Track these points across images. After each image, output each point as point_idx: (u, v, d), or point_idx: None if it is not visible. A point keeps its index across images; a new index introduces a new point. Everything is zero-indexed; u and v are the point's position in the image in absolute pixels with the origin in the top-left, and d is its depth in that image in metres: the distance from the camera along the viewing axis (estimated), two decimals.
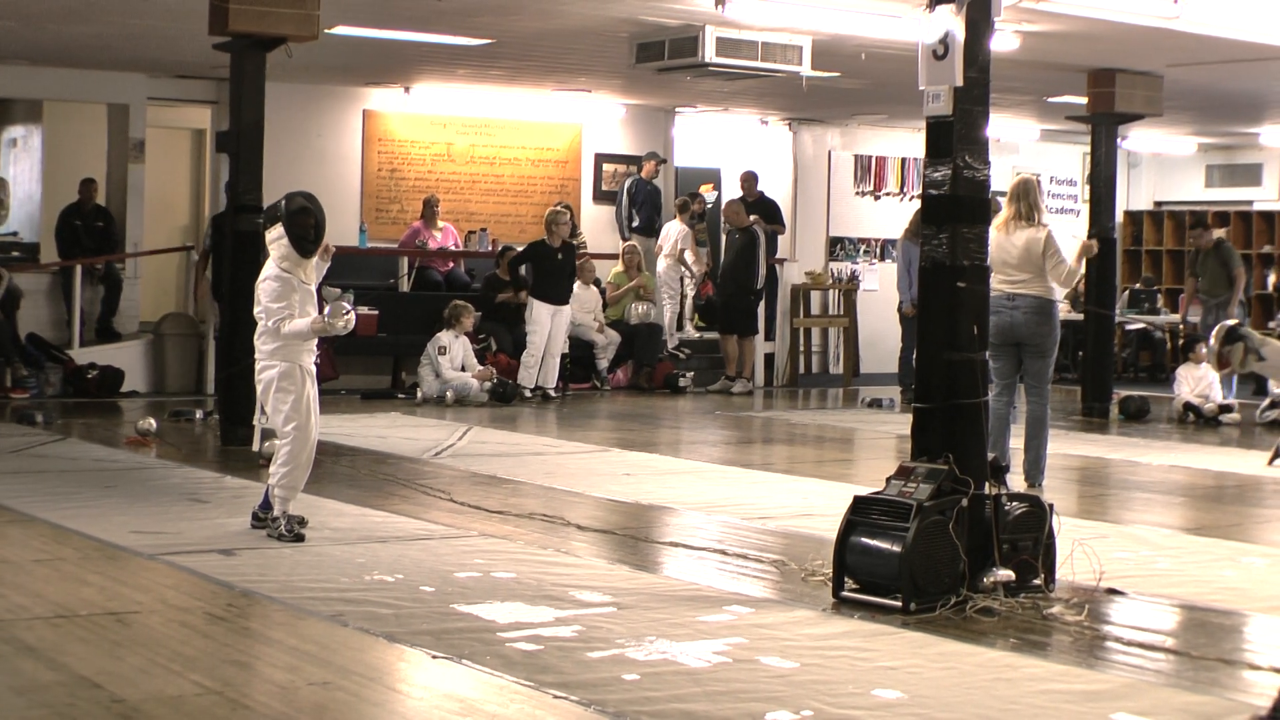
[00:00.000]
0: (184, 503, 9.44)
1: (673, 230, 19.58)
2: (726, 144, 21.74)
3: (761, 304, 19.20)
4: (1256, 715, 4.86)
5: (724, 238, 19.41)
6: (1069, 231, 22.30)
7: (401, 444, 12.58)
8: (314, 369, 8.25)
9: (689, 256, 19.84)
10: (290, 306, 8.01)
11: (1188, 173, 24.52)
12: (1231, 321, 4.90)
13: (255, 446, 8.71)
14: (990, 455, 7.23)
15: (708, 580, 7.52)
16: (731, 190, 20.63)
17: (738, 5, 12.29)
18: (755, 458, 13.03)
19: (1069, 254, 10.23)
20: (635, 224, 19.99)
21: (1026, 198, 10.29)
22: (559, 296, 17.33)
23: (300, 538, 8.04)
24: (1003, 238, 10.14)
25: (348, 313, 8.00)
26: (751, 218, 18.79)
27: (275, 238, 8.05)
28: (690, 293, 20.19)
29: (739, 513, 9.56)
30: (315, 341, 8.23)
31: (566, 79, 17.76)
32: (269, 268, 8.12)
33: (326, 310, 7.99)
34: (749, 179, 19.59)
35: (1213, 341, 4.88)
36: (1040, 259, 10.20)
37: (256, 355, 8.20)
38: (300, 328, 8.01)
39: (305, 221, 8.03)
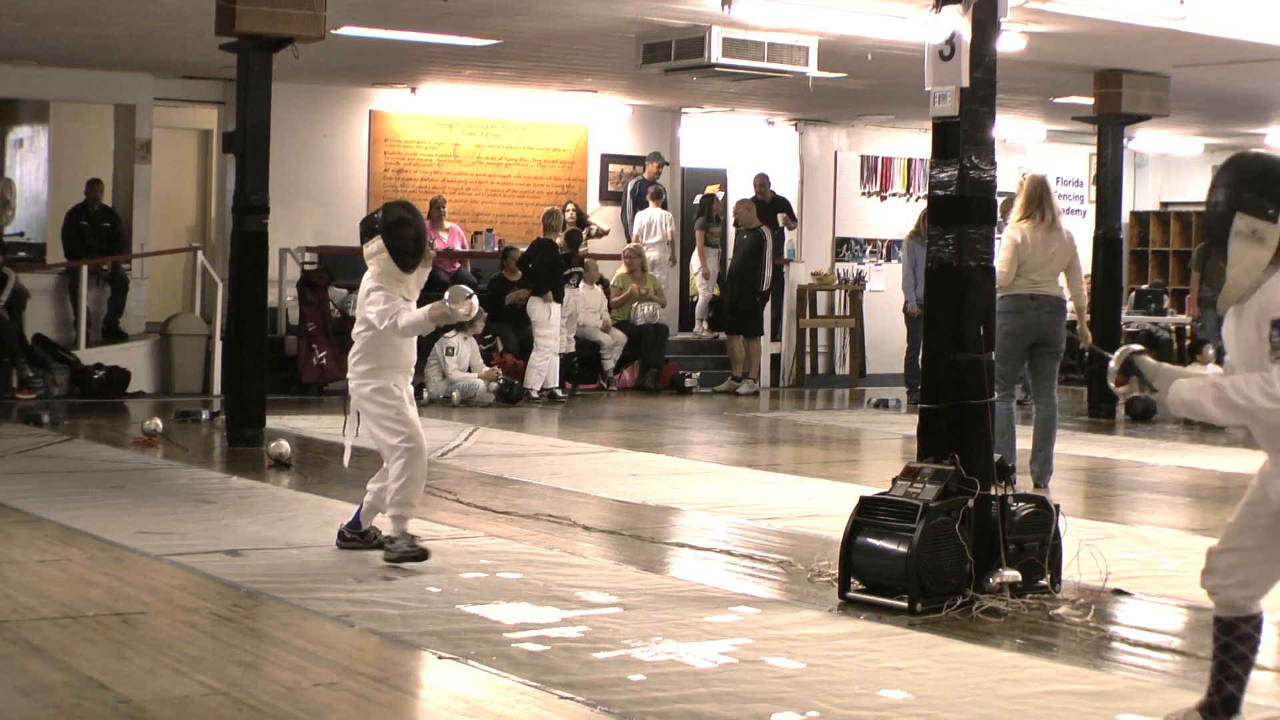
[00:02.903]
0: (190, 503, 9.44)
1: (654, 217, 19.68)
2: (733, 145, 21.74)
3: (768, 305, 19.22)
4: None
5: (731, 238, 19.46)
6: (1076, 233, 22.38)
7: None
8: (411, 391, 7.82)
9: (695, 261, 19.91)
10: (397, 307, 7.51)
11: (1194, 173, 24.48)
12: (1135, 347, 4.94)
13: (346, 463, 8.14)
14: (996, 456, 7.23)
15: (714, 581, 7.52)
16: (740, 191, 20.64)
17: (744, 6, 12.30)
18: (761, 458, 13.03)
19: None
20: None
21: (1050, 198, 10.29)
22: (559, 293, 17.37)
23: (425, 554, 7.49)
24: (1040, 238, 10.13)
25: (470, 296, 7.50)
26: (780, 216, 18.89)
27: (373, 252, 7.59)
28: (703, 294, 20.21)
29: (745, 513, 9.55)
30: (413, 361, 7.81)
31: (573, 80, 17.77)
32: (368, 282, 7.65)
33: (446, 295, 7.46)
34: (763, 181, 19.68)
35: (1113, 364, 4.91)
36: (1065, 261, 10.26)
37: (350, 375, 7.80)
38: (418, 318, 7.51)
39: (405, 234, 7.57)
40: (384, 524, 7.77)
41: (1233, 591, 4.79)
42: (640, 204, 19.99)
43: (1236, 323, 4.68)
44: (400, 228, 7.56)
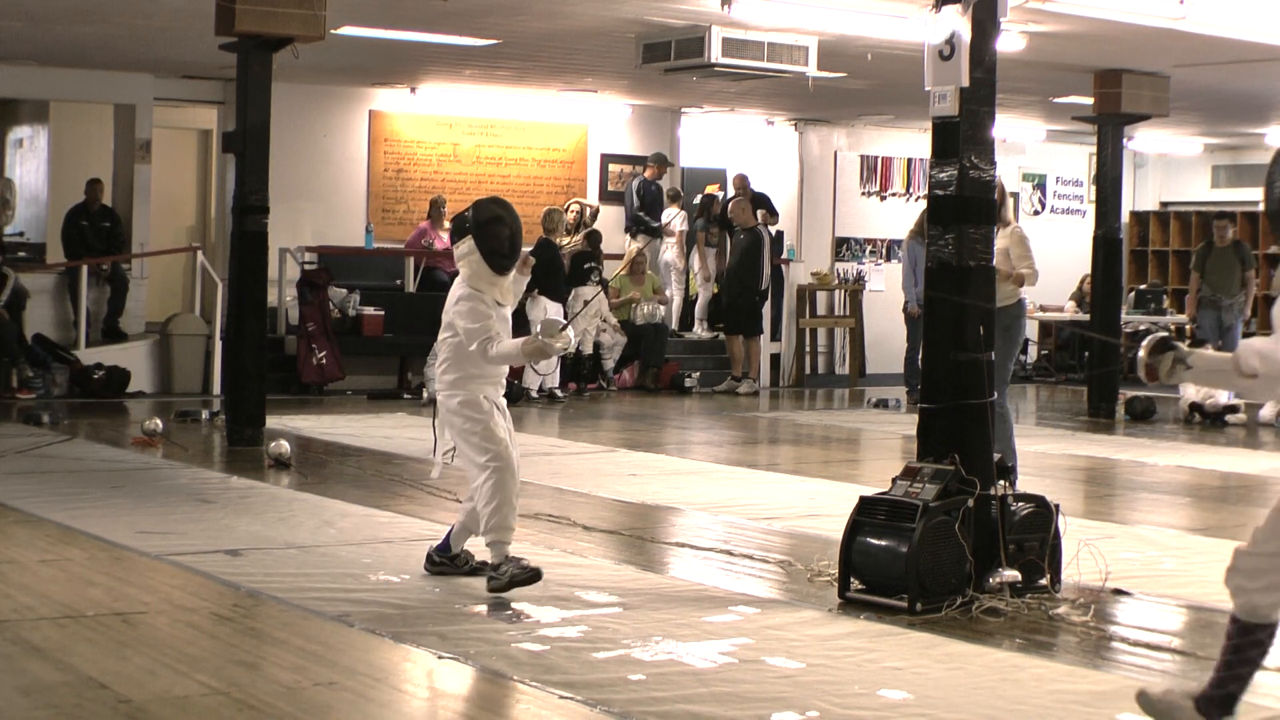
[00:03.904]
0: (190, 503, 9.44)
1: (672, 217, 19.99)
2: (732, 145, 21.74)
3: (767, 304, 19.23)
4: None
5: (729, 239, 19.48)
6: (1076, 233, 22.37)
7: (407, 444, 12.58)
8: (503, 402, 7.21)
9: (695, 259, 19.92)
10: (489, 329, 6.94)
11: (1194, 173, 24.50)
12: (1162, 334, 4.95)
13: (435, 475, 7.80)
14: (996, 455, 7.23)
15: (714, 581, 7.52)
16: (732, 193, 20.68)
17: (743, 6, 12.29)
18: (761, 458, 13.03)
19: None
20: (642, 225, 20.04)
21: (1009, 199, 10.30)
22: (558, 293, 17.37)
23: (537, 573, 6.94)
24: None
25: (565, 328, 6.97)
26: (759, 213, 18.91)
27: (465, 252, 7.00)
28: (702, 294, 20.24)
29: (745, 513, 9.56)
30: (505, 372, 7.25)
31: (573, 79, 17.77)
32: (458, 287, 7.08)
33: (539, 328, 6.97)
34: (742, 181, 19.77)
35: (1142, 352, 4.92)
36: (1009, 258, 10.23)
37: (436, 385, 7.25)
38: (509, 350, 6.95)
39: (499, 233, 6.97)
40: (475, 547, 7.36)
41: (1257, 596, 4.77)
42: (645, 204, 19.98)
43: None
44: (494, 226, 6.98)
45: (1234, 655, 4.84)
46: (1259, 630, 4.81)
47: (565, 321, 7.00)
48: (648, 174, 20.07)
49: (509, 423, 7.16)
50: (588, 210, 19.51)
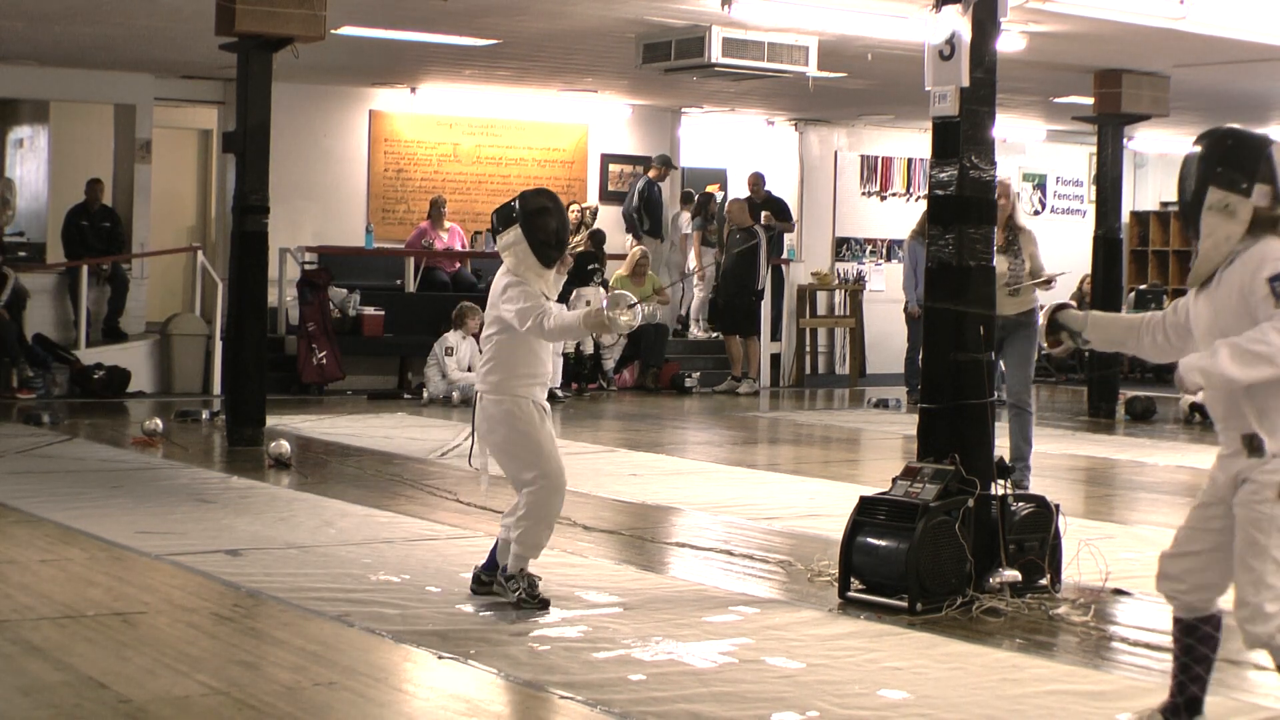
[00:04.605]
0: (190, 503, 9.44)
1: (682, 222, 19.96)
2: (733, 145, 21.74)
3: (767, 304, 19.24)
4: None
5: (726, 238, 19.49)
6: (1076, 233, 22.34)
7: (407, 444, 12.59)
8: (548, 406, 6.88)
9: (691, 260, 19.94)
10: (541, 305, 6.63)
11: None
12: (1056, 303, 5.01)
13: (484, 489, 7.55)
14: (997, 455, 7.24)
15: (714, 581, 7.52)
16: (738, 191, 20.67)
17: (744, 6, 12.30)
18: (761, 458, 13.03)
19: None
20: (646, 226, 20.05)
21: None
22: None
23: (545, 604, 6.68)
24: None
25: (634, 304, 6.60)
26: (763, 214, 18.92)
27: (510, 243, 6.74)
28: (697, 294, 20.26)
29: (745, 513, 9.56)
30: (550, 373, 6.95)
31: (573, 79, 17.77)
32: (503, 276, 6.80)
33: (604, 299, 6.66)
34: (757, 180, 19.70)
35: (1042, 320, 5.01)
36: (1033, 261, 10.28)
37: (478, 385, 6.88)
38: (569, 321, 6.65)
39: (547, 223, 6.73)
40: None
41: (1191, 595, 4.81)
42: (647, 205, 19.98)
43: (1210, 298, 4.71)
44: (541, 217, 6.73)
45: (1186, 656, 4.86)
46: (1203, 625, 4.82)
47: (634, 299, 6.65)
48: (651, 174, 20.08)
49: (551, 429, 6.83)
50: (588, 211, 19.53)
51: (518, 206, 6.76)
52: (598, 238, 18.78)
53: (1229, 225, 4.61)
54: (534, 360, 6.79)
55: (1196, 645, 4.83)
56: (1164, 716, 4.89)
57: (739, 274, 18.62)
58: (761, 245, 18.58)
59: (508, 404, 6.72)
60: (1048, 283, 10.11)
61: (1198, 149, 4.81)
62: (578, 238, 18.85)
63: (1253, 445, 4.65)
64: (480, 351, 6.96)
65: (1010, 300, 9.76)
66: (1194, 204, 4.72)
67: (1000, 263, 9.66)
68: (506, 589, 6.74)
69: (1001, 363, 10.15)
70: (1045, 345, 5.00)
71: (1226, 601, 4.80)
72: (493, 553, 6.98)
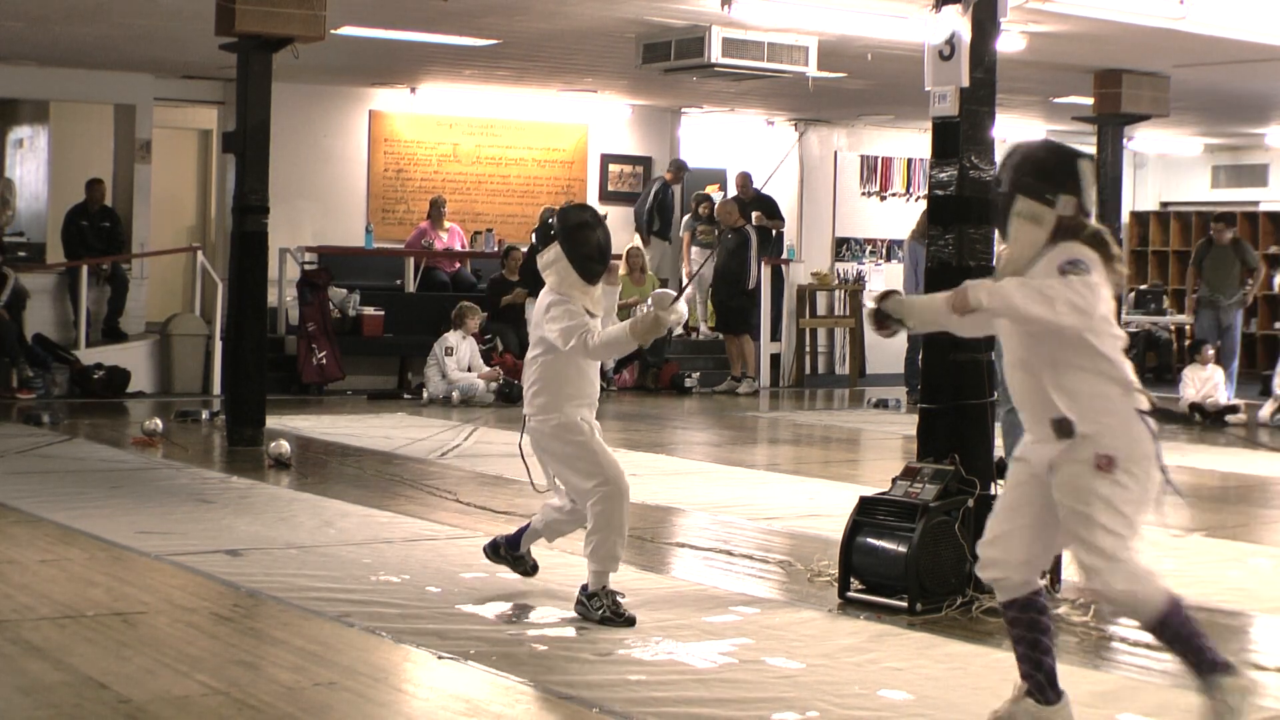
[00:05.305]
0: (190, 503, 9.45)
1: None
2: (732, 145, 21.74)
3: (766, 304, 19.24)
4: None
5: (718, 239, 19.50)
6: None
7: (407, 444, 12.59)
8: (598, 424, 6.75)
9: (695, 256, 19.94)
10: (585, 324, 6.46)
11: (1194, 173, 24.49)
12: (884, 290, 5.19)
13: (560, 502, 6.91)
14: (997, 455, 7.24)
15: (714, 581, 7.52)
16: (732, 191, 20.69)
17: (743, 6, 12.29)
18: (761, 458, 13.03)
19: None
20: (656, 228, 20.08)
21: None
22: None
23: (631, 621, 6.47)
24: None
25: (676, 299, 6.41)
26: (754, 214, 18.89)
27: (551, 260, 6.58)
28: (689, 293, 20.24)
29: (745, 513, 9.56)
30: (598, 392, 6.81)
31: (572, 79, 17.78)
32: (546, 295, 6.62)
33: (649, 301, 6.44)
34: (744, 179, 19.73)
35: (868, 310, 5.21)
36: None
37: (526, 409, 6.73)
38: (615, 336, 6.45)
39: (589, 238, 6.57)
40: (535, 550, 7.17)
41: (1015, 574, 4.97)
42: (661, 208, 19.97)
43: None
44: (582, 231, 6.58)
45: (1030, 633, 5.00)
46: (1035, 600, 5.00)
47: (677, 293, 6.44)
48: (667, 177, 20.11)
49: (603, 442, 6.70)
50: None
51: (556, 223, 6.62)
52: None
53: (1035, 232, 4.88)
54: (582, 381, 6.67)
55: (1037, 618, 5.00)
56: (1034, 699, 4.99)
57: (730, 273, 18.62)
58: (752, 244, 18.55)
59: (557, 420, 6.60)
60: None
61: (1013, 158, 5.05)
62: None
63: (1061, 428, 4.84)
64: (526, 373, 6.80)
65: None
66: (1004, 209, 4.97)
67: None
68: (590, 608, 6.53)
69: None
70: (876, 331, 5.22)
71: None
72: (520, 531, 7.06)
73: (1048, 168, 4.94)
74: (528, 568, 7.13)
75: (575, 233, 6.58)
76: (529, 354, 6.76)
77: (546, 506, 6.94)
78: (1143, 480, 4.81)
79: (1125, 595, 4.81)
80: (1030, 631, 4.99)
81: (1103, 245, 4.86)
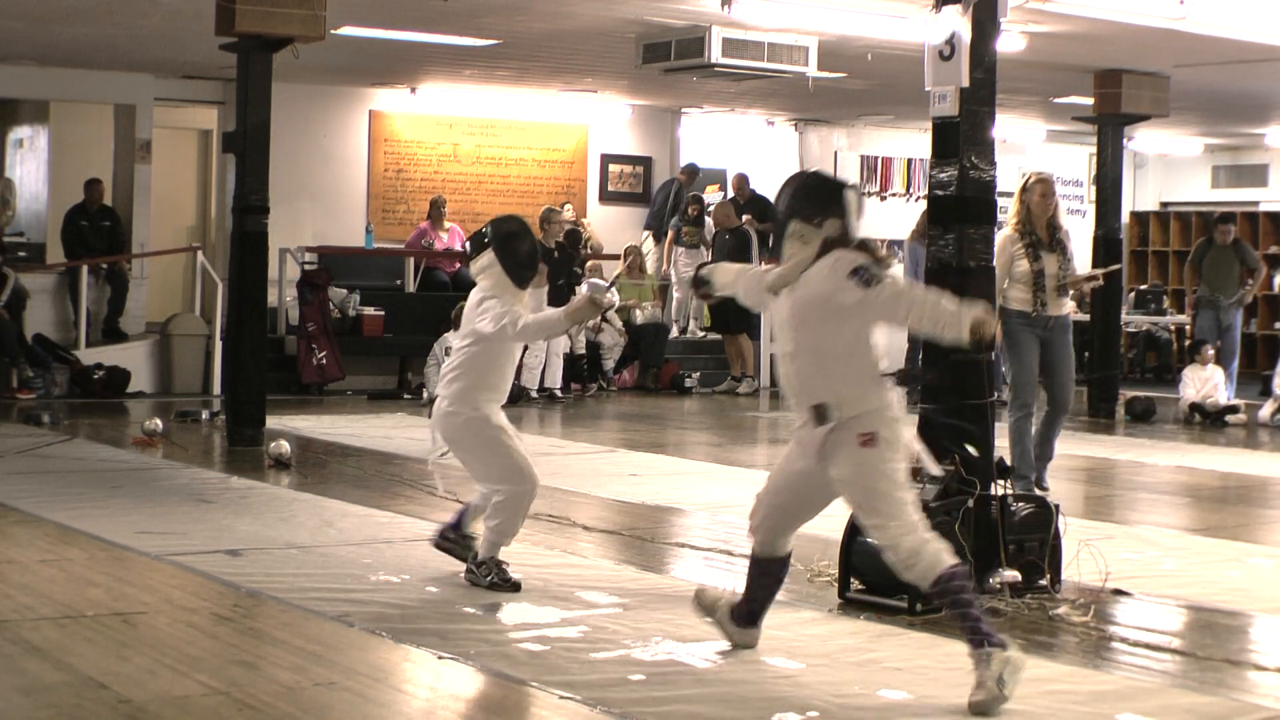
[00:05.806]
0: (190, 503, 9.45)
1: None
2: (733, 145, 21.73)
3: None
4: None
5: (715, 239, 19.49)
6: (1076, 233, 22.35)
7: (407, 444, 12.58)
8: (509, 424, 7.20)
9: (683, 259, 19.95)
10: (513, 310, 6.97)
11: (1194, 173, 24.50)
12: (703, 262, 5.72)
13: (434, 458, 7.51)
14: (996, 455, 7.24)
15: (714, 581, 7.51)
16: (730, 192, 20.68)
17: (744, 6, 12.29)
18: (761, 458, 13.01)
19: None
20: (665, 229, 20.11)
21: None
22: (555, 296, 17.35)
23: (517, 586, 6.99)
24: None
25: (609, 288, 7.08)
26: (745, 217, 18.87)
27: (484, 266, 7.10)
28: (677, 296, 20.17)
29: (745, 513, 9.49)
30: (509, 387, 7.29)
31: (573, 80, 17.78)
32: (476, 293, 7.15)
33: (584, 286, 6.95)
34: (741, 181, 19.73)
35: (690, 275, 5.81)
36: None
37: (439, 389, 7.25)
38: (546, 319, 7.09)
39: (519, 247, 7.12)
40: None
41: (769, 539, 5.94)
42: (676, 209, 19.98)
43: (790, 294, 5.64)
44: (513, 240, 7.13)
45: (756, 583, 6.01)
46: (775, 563, 6.00)
47: (608, 283, 7.15)
48: (681, 179, 20.11)
49: (516, 435, 7.20)
50: (582, 223, 19.52)
51: (489, 232, 7.18)
52: (573, 236, 18.47)
53: (804, 250, 5.63)
54: (498, 376, 7.18)
55: (763, 576, 6.00)
56: (731, 612, 6.03)
57: None
58: (753, 244, 18.53)
59: (467, 415, 7.08)
60: (1095, 279, 10.26)
61: (789, 186, 5.78)
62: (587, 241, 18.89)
63: (820, 414, 5.57)
64: (449, 361, 7.29)
65: (1059, 300, 9.78)
66: (780, 230, 5.72)
67: (1050, 262, 9.71)
68: (479, 575, 7.06)
69: (1004, 362, 10.17)
70: (696, 296, 5.81)
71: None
72: (460, 515, 7.42)
73: (817, 196, 5.70)
74: (472, 551, 7.27)
75: (507, 241, 7.13)
76: (457, 344, 7.24)
77: (480, 490, 7.32)
78: (897, 444, 5.58)
79: (910, 554, 5.43)
80: (760, 577, 6.01)
81: (870, 250, 5.65)
